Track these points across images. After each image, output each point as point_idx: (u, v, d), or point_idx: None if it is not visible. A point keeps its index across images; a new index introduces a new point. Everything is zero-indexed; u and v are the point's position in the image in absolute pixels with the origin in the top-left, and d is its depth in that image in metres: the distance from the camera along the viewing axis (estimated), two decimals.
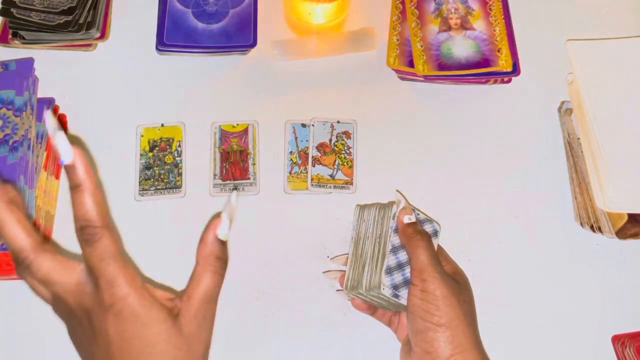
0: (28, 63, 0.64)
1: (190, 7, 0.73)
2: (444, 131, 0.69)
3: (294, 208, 0.65)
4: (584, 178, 0.63)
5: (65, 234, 0.63)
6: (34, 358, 0.59)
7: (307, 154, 0.67)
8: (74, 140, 0.67)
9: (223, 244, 0.40)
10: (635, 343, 0.56)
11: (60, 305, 0.39)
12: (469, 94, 0.71)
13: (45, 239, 0.52)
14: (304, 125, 0.69)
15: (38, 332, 0.59)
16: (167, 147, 0.67)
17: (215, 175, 0.66)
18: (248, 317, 0.60)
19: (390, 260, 0.53)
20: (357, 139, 0.68)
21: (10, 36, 0.71)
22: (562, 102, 0.69)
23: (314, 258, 0.63)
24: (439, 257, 0.52)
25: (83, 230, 0.36)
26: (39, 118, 0.63)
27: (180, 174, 0.66)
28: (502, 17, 0.72)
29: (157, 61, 0.72)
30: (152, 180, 0.66)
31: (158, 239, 0.63)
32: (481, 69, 0.69)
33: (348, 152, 0.67)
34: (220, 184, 0.66)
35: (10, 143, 0.59)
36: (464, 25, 0.72)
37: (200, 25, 0.72)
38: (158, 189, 0.65)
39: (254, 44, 0.71)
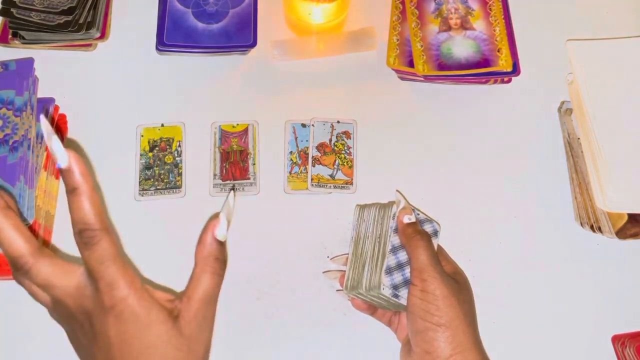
0: (28, 63, 0.64)
1: (190, 7, 0.73)
2: (444, 131, 0.69)
3: (294, 208, 0.65)
4: (584, 178, 0.63)
5: (65, 234, 0.62)
6: (34, 358, 0.59)
7: (307, 154, 0.67)
8: (71, 144, 0.67)
9: (221, 244, 0.41)
10: (635, 343, 0.56)
11: (60, 308, 0.39)
12: (469, 94, 0.71)
13: (43, 243, 0.52)
14: (304, 125, 0.69)
15: (38, 332, 0.59)
16: (167, 147, 0.67)
17: (215, 175, 0.66)
18: (248, 317, 0.60)
19: (390, 260, 0.53)
20: (357, 139, 0.68)
21: (10, 36, 0.71)
22: (562, 102, 0.69)
23: (314, 258, 0.63)
24: (439, 257, 0.52)
25: (81, 234, 0.36)
26: (39, 118, 0.63)
27: (180, 174, 0.66)
28: (502, 17, 0.72)
29: (157, 61, 0.72)
30: (152, 180, 0.66)
31: (158, 239, 0.63)
32: (481, 69, 0.69)
33: (348, 152, 0.67)
34: (220, 184, 0.66)
35: (10, 143, 0.59)
36: (464, 25, 0.72)
37: (200, 25, 0.72)
38: (158, 189, 0.65)
39: (254, 44, 0.71)
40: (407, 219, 0.53)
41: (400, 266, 0.53)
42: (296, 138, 0.68)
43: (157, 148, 0.67)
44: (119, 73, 0.71)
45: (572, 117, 0.67)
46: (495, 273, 0.63)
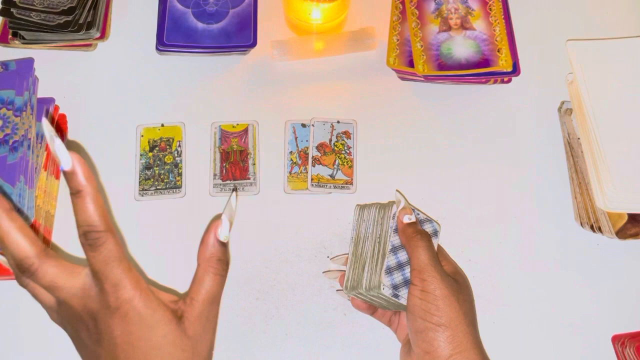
0: (28, 63, 0.64)
1: (190, 7, 0.73)
2: (444, 131, 0.69)
3: (294, 208, 0.65)
4: (584, 178, 0.63)
5: (65, 234, 0.63)
6: (34, 358, 0.59)
7: (307, 154, 0.67)
8: (73, 146, 0.67)
9: (224, 245, 0.41)
10: (635, 343, 0.56)
11: (65, 310, 0.39)
12: (469, 94, 0.71)
13: (46, 245, 0.52)
14: (304, 125, 0.69)
15: (38, 332, 0.59)
16: (167, 147, 0.67)
17: (215, 175, 0.66)
18: (248, 317, 0.60)
19: (390, 260, 0.53)
20: (357, 139, 0.68)
21: (10, 36, 0.71)
22: (562, 102, 0.69)
23: (314, 258, 0.63)
24: (439, 257, 0.52)
25: (86, 235, 0.37)
26: (39, 118, 0.63)
27: (180, 174, 0.66)
28: (502, 17, 0.72)
29: (157, 61, 0.72)
30: (152, 180, 0.66)
31: (158, 239, 0.63)
32: (481, 69, 0.69)
33: (348, 152, 0.67)
34: (220, 184, 0.66)
35: (10, 143, 0.59)
36: (464, 25, 0.72)
37: (200, 25, 0.72)
38: (158, 189, 0.65)
39: (254, 44, 0.71)
40: (407, 218, 0.53)
41: (400, 266, 0.53)
42: (296, 138, 0.68)
43: (157, 148, 0.67)
44: (119, 73, 0.72)
45: (572, 117, 0.67)
46: (495, 273, 0.63)
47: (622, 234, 0.60)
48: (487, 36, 0.71)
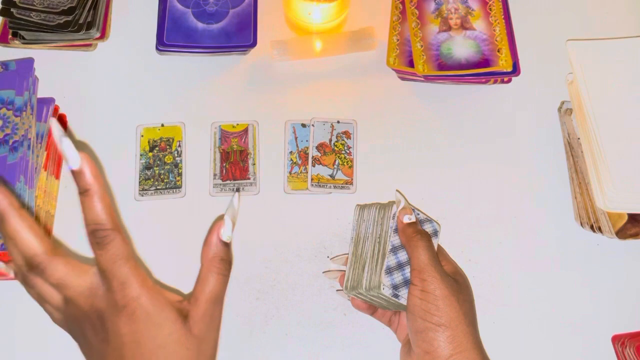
0: (28, 63, 0.64)
1: (190, 7, 0.73)
2: (444, 131, 0.69)
3: (294, 208, 0.65)
4: (584, 178, 0.63)
5: (65, 234, 0.63)
6: (34, 358, 0.59)
7: (307, 154, 0.67)
8: (81, 146, 0.67)
9: (227, 245, 0.41)
10: (635, 343, 0.56)
11: (71, 308, 0.39)
12: (469, 94, 0.71)
13: (55, 243, 0.52)
14: (304, 125, 0.69)
15: (39, 332, 0.59)
16: (167, 147, 0.67)
17: (215, 175, 0.66)
18: (248, 317, 0.60)
19: (390, 260, 0.53)
20: (357, 139, 0.68)
21: (10, 36, 0.71)
22: (562, 102, 0.69)
23: (314, 258, 0.63)
24: (439, 257, 0.52)
25: (94, 234, 0.37)
26: (39, 118, 0.63)
27: (180, 174, 0.66)
28: (502, 17, 0.72)
29: (157, 61, 0.72)
30: (152, 180, 0.66)
31: (158, 239, 0.63)
32: (481, 69, 0.69)
33: (348, 152, 0.67)
34: (220, 184, 0.66)
35: (10, 143, 0.59)
36: (464, 25, 0.72)
37: (200, 25, 0.72)
38: (158, 189, 0.65)
39: (254, 44, 0.71)
40: (407, 218, 0.53)
41: (400, 266, 0.53)
42: (296, 138, 0.68)
43: (157, 148, 0.67)
44: (119, 73, 0.72)
45: (572, 117, 0.67)
46: (495, 273, 0.63)
47: (622, 234, 0.60)
48: (487, 36, 0.71)
